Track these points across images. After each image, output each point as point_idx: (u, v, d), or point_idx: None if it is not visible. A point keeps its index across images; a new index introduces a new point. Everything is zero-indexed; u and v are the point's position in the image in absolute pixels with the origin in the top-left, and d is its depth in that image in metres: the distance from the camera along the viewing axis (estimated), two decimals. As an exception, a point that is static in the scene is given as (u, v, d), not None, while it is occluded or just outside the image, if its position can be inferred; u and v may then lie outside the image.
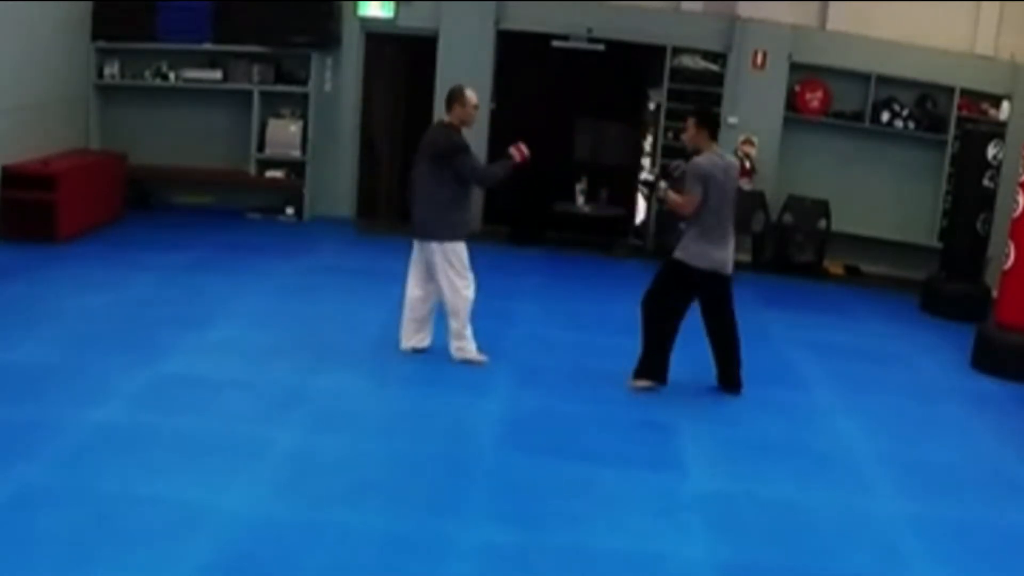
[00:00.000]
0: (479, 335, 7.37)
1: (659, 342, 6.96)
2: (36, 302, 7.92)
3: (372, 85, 12.58)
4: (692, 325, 9.07)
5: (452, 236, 7.08)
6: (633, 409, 6.75)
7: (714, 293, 7.04)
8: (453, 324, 7.24)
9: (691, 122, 6.94)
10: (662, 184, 7.28)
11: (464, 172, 7.03)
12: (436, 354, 7.46)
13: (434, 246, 7.10)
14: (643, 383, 6.98)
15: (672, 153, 12.00)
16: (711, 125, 6.97)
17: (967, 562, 5.06)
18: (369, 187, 12.86)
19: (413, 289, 7.33)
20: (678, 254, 6.89)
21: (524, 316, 8.83)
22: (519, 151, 7.15)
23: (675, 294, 6.96)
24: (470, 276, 7.23)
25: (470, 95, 7.16)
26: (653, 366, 6.98)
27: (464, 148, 7.05)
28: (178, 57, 11.70)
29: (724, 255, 6.92)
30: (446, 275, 7.12)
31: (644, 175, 6.69)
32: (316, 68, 11.77)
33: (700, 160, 6.78)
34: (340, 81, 12.06)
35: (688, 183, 6.77)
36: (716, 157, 6.86)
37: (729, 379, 7.19)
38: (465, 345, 7.28)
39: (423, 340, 7.43)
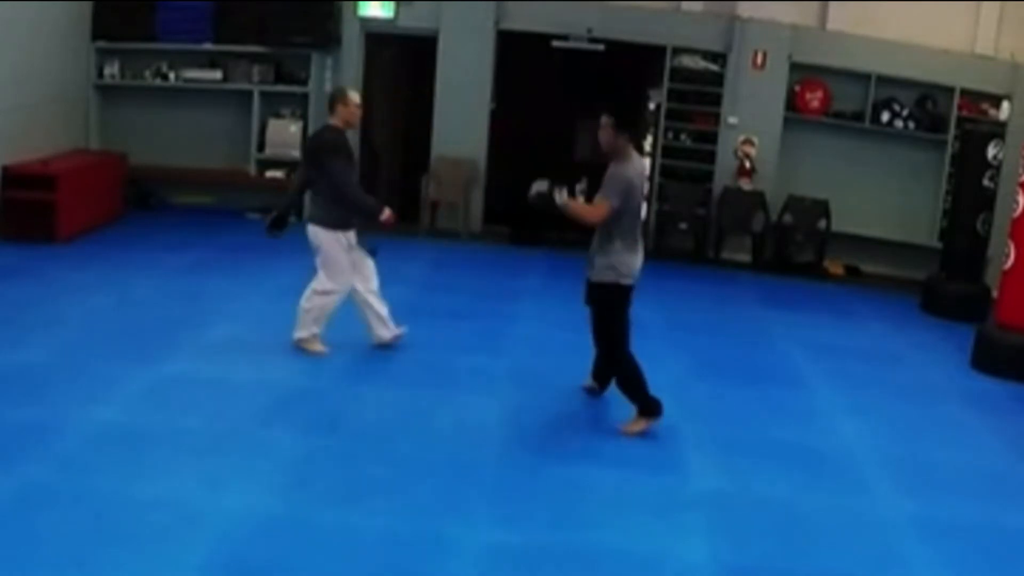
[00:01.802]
0: (479, 335, 7.38)
1: (637, 373, 6.36)
2: (36, 302, 7.92)
3: (372, 85, 12.58)
4: (685, 323, 9.09)
5: (326, 224, 7.05)
6: (633, 409, 6.74)
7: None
8: (312, 308, 7.17)
9: (607, 123, 6.13)
10: (558, 195, 6.06)
11: (333, 172, 6.97)
12: (436, 354, 7.46)
13: (318, 232, 7.07)
14: (644, 424, 6.31)
15: (672, 153, 12.05)
16: (630, 128, 6.22)
17: (967, 562, 5.06)
18: (369, 187, 12.85)
19: (355, 286, 7.30)
20: (609, 277, 6.18)
21: (524, 316, 8.83)
22: (389, 217, 7.08)
23: (621, 318, 6.33)
24: (344, 274, 7.16)
25: (352, 95, 7.16)
26: (647, 398, 6.34)
27: (337, 149, 7.02)
28: (178, 57, 11.71)
29: (639, 262, 6.32)
30: (323, 263, 7.13)
31: (536, 187, 6.06)
32: (316, 68, 11.78)
33: (624, 169, 6.10)
34: (340, 81, 12.05)
35: (606, 191, 6.07)
36: (637, 163, 6.26)
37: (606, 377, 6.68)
38: (305, 335, 7.22)
39: (395, 330, 7.41)
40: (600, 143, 6.23)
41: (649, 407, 6.29)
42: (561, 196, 6.00)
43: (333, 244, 7.08)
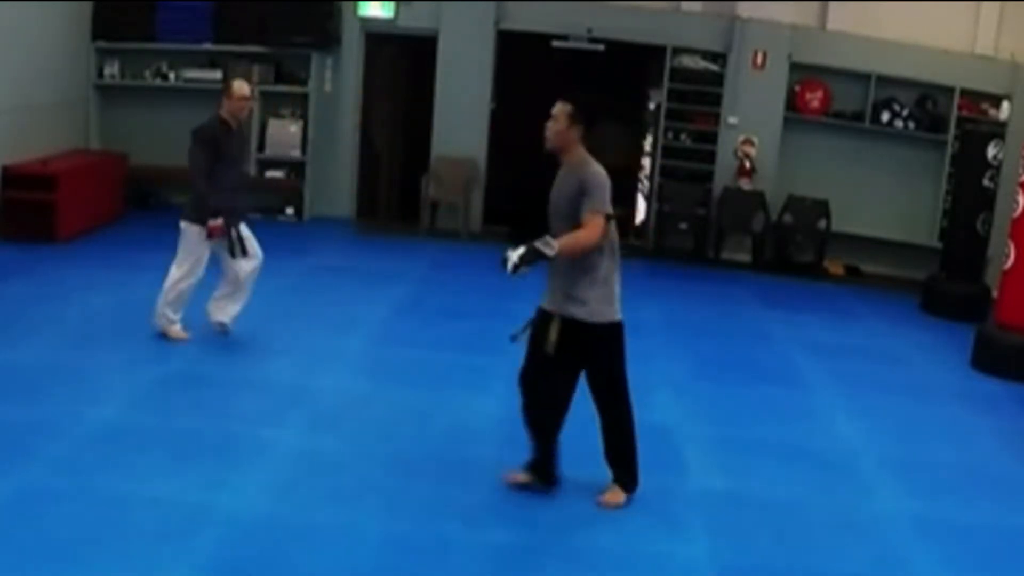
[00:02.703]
0: (479, 335, 7.36)
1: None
2: (36, 302, 7.92)
3: (372, 85, 12.58)
4: (685, 323, 9.08)
5: (188, 217, 7.07)
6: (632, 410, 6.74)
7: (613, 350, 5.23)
8: (162, 303, 7.14)
9: (563, 112, 5.12)
10: (545, 246, 4.94)
11: (188, 157, 7.01)
12: (435, 354, 7.46)
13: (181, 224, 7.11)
14: (623, 497, 5.33)
15: (672, 153, 12.05)
16: (589, 124, 5.14)
17: (967, 562, 5.06)
18: (369, 187, 12.87)
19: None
20: (608, 313, 5.07)
21: (524, 316, 8.80)
22: (215, 228, 6.95)
23: (567, 368, 5.21)
24: (198, 272, 7.12)
25: (237, 87, 7.10)
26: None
27: (199, 137, 6.98)
28: (178, 57, 11.71)
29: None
30: (181, 256, 7.11)
31: (514, 257, 4.93)
32: (316, 68, 11.78)
33: (600, 170, 5.05)
34: (340, 81, 12.06)
35: (596, 200, 4.95)
36: (598, 166, 5.10)
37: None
38: (164, 323, 7.18)
39: (224, 314, 7.31)
40: (546, 137, 5.21)
41: (636, 478, 5.35)
42: (549, 245, 4.90)
43: (191, 235, 7.07)
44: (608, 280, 5.09)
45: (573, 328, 5.05)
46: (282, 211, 11.85)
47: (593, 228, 4.93)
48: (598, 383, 5.27)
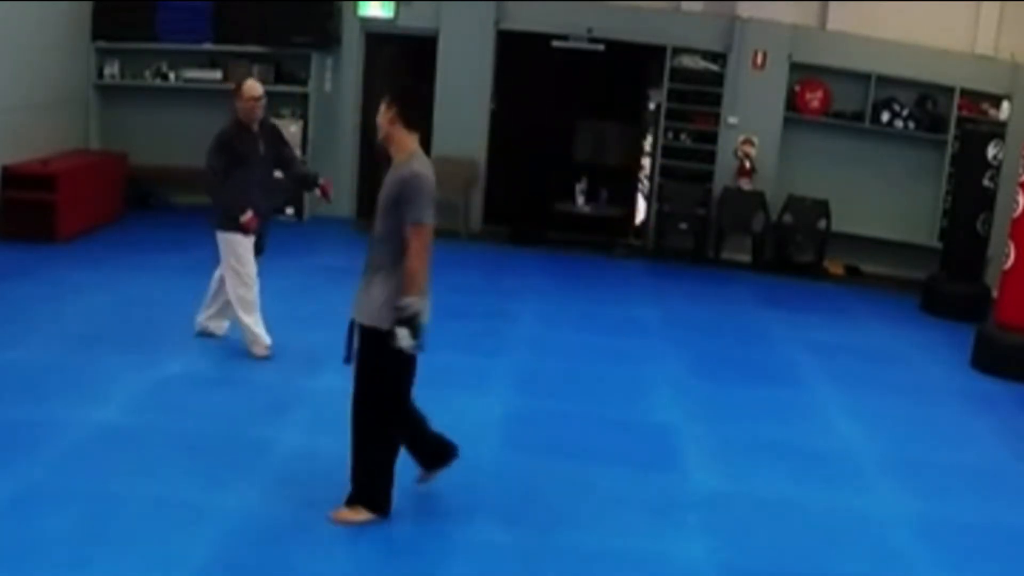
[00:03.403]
0: (480, 335, 7.35)
1: (393, 458, 4.95)
2: (36, 302, 7.92)
3: (372, 85, 12.58)
4: (686, 323, 9.07)
5: (219, 226, 6.95)
6: (633, 409, 6.75)
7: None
8: (240, 318, 7.07)
9: (385, 102, 4.86)
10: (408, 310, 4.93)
11: (207, 161, 6.87)
12: (435, 354, 7.44)
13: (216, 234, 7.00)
14: (363, 515, 4.84)
15: (672, 153, 12.04)
16: (413, 113, 4.93)
17: (967, 562, 5.06)
18: (369, 187, 12.86)
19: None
20: (389, 320, 4.81)
21: (524, 316, 8.82)
22: (249, 223, 6.86)
23: (401, 379, 5.08)
24: (244, 272, 6.97)
25: (247, 87, 6.91)
26: (379, 491, 4.89)
27: (215, 141, 6.85)
28: (178, 57, 11.71)
29: (427, 303, 5.07)
30: (225, 265, 7.01)
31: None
32: (316, 68, 11.78)
33: (421, 170, 4.88)
34: (340, 81, 12.07)
35: (415, 210, 4.76)
36: (425, 162, 4.97)
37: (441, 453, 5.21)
38: (255, 348, 7.09)
39: (216, 328, 7.31)
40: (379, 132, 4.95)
41: (378, 500, 4.86)
42: (406, 307, 4.87)
43: (235, 245, 6.94)
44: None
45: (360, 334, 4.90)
46: (282, 211, 11.84)
47: (418, 244, 4.76)
48: (356, 394, 4.95)
